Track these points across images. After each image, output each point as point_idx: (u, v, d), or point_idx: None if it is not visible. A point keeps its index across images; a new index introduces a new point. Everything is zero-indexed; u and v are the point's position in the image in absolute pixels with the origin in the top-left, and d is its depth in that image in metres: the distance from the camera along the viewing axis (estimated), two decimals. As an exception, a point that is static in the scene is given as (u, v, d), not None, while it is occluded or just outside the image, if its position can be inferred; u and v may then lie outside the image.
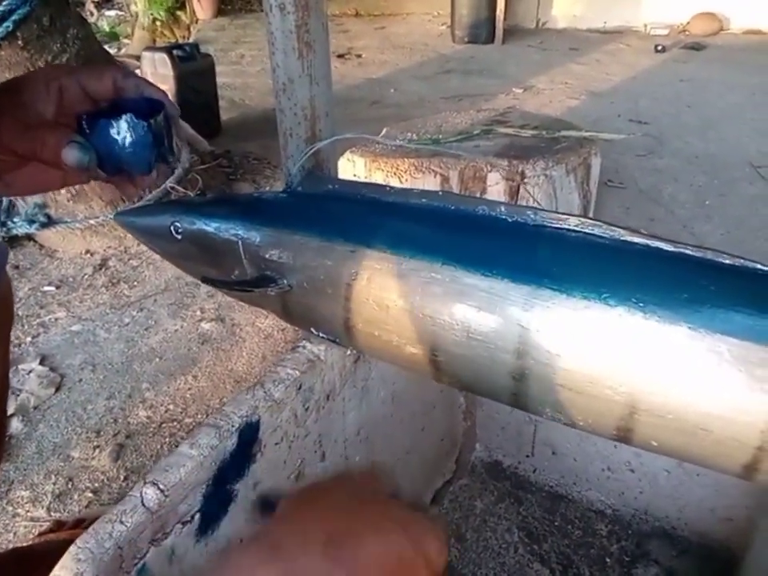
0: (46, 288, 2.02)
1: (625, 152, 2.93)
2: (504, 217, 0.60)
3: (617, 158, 2.86)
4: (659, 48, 5.02)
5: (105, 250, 2.23)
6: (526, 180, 1.71)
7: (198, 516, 0.58)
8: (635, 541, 1.09)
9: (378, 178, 1.79)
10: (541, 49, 5.31)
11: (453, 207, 0.63)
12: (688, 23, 5.60)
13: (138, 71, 2.90)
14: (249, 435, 0.63)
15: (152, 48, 3.30)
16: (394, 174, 1.77)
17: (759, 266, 0.50)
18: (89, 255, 2.21)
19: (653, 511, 1.10)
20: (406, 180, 1.76)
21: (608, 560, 1.06)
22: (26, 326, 1.83)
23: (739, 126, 3.31)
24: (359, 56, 5.15)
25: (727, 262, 0.51)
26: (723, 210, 2.43)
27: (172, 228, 0.78)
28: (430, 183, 1.74)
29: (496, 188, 1.73)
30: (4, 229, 2.13)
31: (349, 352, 0.79)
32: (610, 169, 2.70)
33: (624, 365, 0.50)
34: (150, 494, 0.53)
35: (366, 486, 0.46)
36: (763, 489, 0.93)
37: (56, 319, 1.87)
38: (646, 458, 1.05)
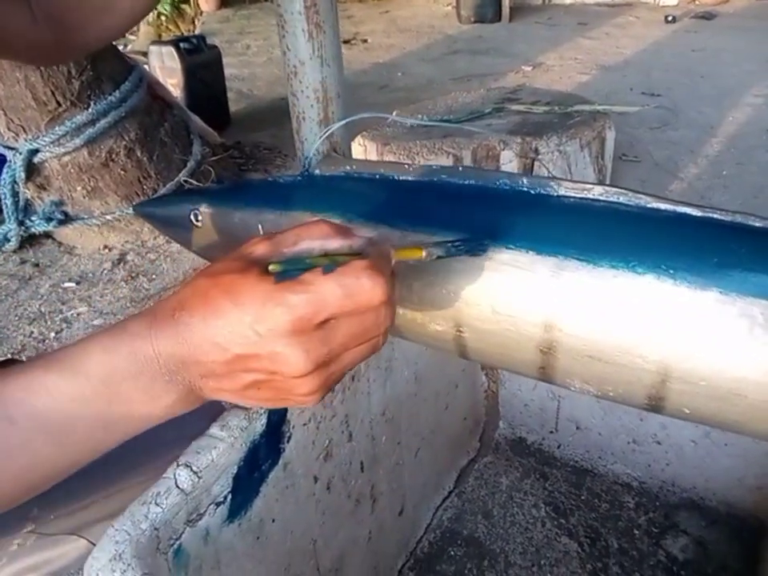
0: (67, 284, 2.05)
1: (639, 125, 2.89)
2: (526, 189, 0.59)
3: (631, 131, 2.82)
4: (669, 19, 4.93)
5: (122, 245, 2.24)
6: (540, 156, 1.70)
7: (230, 497, 0.58)
8: (663, 512, 1.08)
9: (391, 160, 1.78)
10: (549, 25, 5.24)
11: (473, 182, 0.62)
12: (698, -8, 5.48)
13: (146, 66, 2.90)
14: (277, 416, 0.63)
15: (159, 42, 3.30)
16: (407, 156, 1.76)
17: (790, 227, 0.49)
18: (107, 250, 2.23)
19: (680, 482, 1.10)
20: (419, 162, 1.75)
21: (636, 532, 1.06)
22: (48, 322, 1.86)
23: (754, 93, 3.25)
24: (365, 41, 5.11)
25: (758, 224, 0.50)
26: (740, 178, 2.39)
27: (192, 216, 0.78)
28: (443, 164, 1.73)
29: (510, 166, 1.71)
30: (22, 227, 2.15)
31: (372, 333, 0.79)
32: (625, 143, 2.66)
33: (654, 333, 0.49)
34: (184, 475, 0.53)
35: None
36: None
37: (78, 314, 1.89)
38: (672, 429, 1.05)
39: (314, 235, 0.42)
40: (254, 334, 0.37)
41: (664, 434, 1.06)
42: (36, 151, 2.01)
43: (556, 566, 1.02)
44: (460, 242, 0.53)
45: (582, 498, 1.12)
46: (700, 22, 4.95)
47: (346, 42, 5.00)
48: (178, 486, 0.52)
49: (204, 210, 0.77)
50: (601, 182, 0.55)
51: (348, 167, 0.74)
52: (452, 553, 1.05)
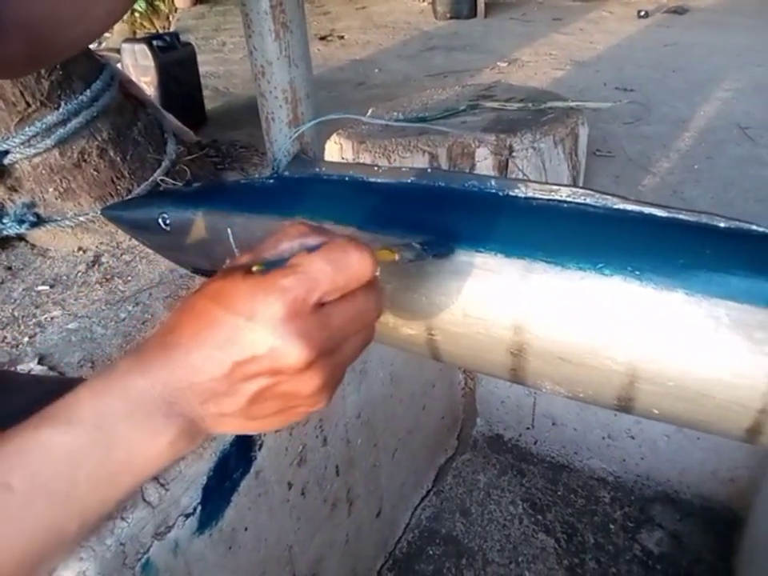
0: (40, 287, 2.00)
1: (612, 120, 2.91)
2: (495, 191, 0.59)
3: (604, 126, 2.84)
4: (642, 14, 4.98)
5: (97, 247, 2.20)
6: (514, 154, 1.70)
7: (200, 508, 0.57)
8: (638, 506, 1.09)
9: (366, 159, 1.77)
10: (523, 21, 5.25)
11: (442, 184, 0.62)
12: (671, -13, 5.53)
13: (118, 65, 2.86)
14: (248, 424, 0.62)
15: (131, 39, 3.24)
16: (383, 154, 1.75)
17: (754, 227, 0.49)
18: (81, 252, 2.19)
19: (654, 476, 1.11)
20: (395, 160, 1.75)
21: (612, 526, 1.07)
22: (22, 327, 1.82)
23: (724, 88, 3.29)
24: (341, 37, 5.07)
25: (722, 224, 0.50)
26: (712, 173, 2.42)
27: (160, 220, 0.77)
28: (419, 162, 1.72)
29: (485, 163, 1.71)
30: (-8, 230, 2.10)
31: (345, 336, 0.78)
32: (598, 138, 2.68)
33: (622, 334, 0.50)
34: (150, 488, 0.52)
35: None
36: (765, 449, 0.93)
37: (52, 318, 1.85)
38: (645, 424, 1.06)
39: (293, 236, 0.41)
40: (249, 333, 0.35)
41: (638, 429, 1.07)
42: (6, 153, 1.96)
43: (533, 563, 1.02)
44: (428, 244, 0.52)
45: (559, 493, 1.12)
46: (672, 16, 5.00)
47: (322, 38, 4.97)
48: (144, 500, 0.51)
49: (172, 213, 0.76)
50: (568, 184, 0.55)
51: (318, 169, 0.74)
52: (430, 552, 1.05)
